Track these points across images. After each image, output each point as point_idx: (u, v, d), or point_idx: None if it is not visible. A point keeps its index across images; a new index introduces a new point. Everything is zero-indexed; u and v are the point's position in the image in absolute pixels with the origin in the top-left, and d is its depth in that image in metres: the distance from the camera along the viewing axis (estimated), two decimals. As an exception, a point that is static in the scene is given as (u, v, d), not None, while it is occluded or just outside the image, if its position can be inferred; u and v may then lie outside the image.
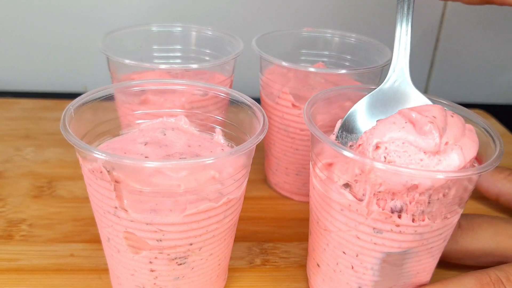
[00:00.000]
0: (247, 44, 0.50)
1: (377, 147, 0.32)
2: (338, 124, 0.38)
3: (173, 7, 0.72)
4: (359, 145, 0.34)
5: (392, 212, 0.32)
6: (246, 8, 0.73)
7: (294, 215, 0.51)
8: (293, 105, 0.49)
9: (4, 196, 0.51)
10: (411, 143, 0.32)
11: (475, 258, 0.42)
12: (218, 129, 0.40)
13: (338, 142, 0.38)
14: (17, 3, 0.71)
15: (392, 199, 0.32)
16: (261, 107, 0.37)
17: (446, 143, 0.32)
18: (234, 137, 0.39)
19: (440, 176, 0.31)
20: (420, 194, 0.31)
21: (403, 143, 0.32)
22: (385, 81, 0.39)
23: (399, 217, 0.32)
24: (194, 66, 0.47)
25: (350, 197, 0.33)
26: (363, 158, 0.31)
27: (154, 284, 0.35)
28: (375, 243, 0.34)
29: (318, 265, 0.39)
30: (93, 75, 0.72)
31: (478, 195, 0.54)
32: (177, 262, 0.34)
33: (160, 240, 0.33)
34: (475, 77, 0.82)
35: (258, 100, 0.42)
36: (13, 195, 0.51)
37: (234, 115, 0.39)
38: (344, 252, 0.35)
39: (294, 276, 0.43)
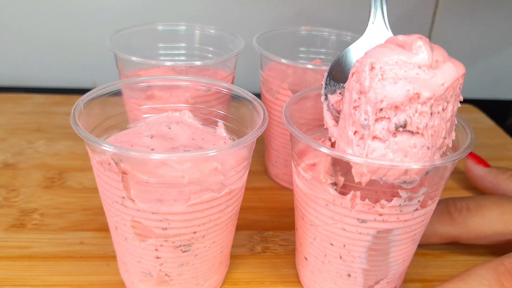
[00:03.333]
0: (248, 42, 0.50)
1: (372, 67, 0.30)
2: (325, 75, 0.37)
3: (178, 7, 0.71)
4: (353, 73, 0.32)
5: (397, 128, 0.30)
6: (247, 8, 0.72)
7: (292, 205, 0.50)
8: (292, 100, 0.48)
9: (17, 186, 0.51)
10: (405, 61, 0.30)
11: (486, 238, 0.42)
12: (220, 123, 0.40)
13: (318, 139, 0.37)
14: (29, 1, 0.70)
15: (395, 115, 0.30)
16: (261, 102, 0.37)
17: (436, 61, 0.31)
18: (235, 130, 0.39)
19: (414, 166, 0.30)
20: (422, 105, 0.30)
21: (396, 62, 0.30)
22: (365, 33, 0.38)
23: (398, 132, 0.31)
24: (198, 63, 0.47)
25: (333, 191, 0.33)
26: (342, 155, 0.31)
27: (160, 270, 0.35)
28: (360, 233, 0.34)
29: (306, 259, 0.38)
30: (101, 71, 0.71)
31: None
32: (181, 250, 0.34)
33: (165, 229, 0.33)
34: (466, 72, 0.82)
35: (258, 95, 0.42)
36: (26, 185, 0.51)
37: (235, 109, 0.39)
38: (331, 244, 0.35)
39: (292, 262, 0.43)
